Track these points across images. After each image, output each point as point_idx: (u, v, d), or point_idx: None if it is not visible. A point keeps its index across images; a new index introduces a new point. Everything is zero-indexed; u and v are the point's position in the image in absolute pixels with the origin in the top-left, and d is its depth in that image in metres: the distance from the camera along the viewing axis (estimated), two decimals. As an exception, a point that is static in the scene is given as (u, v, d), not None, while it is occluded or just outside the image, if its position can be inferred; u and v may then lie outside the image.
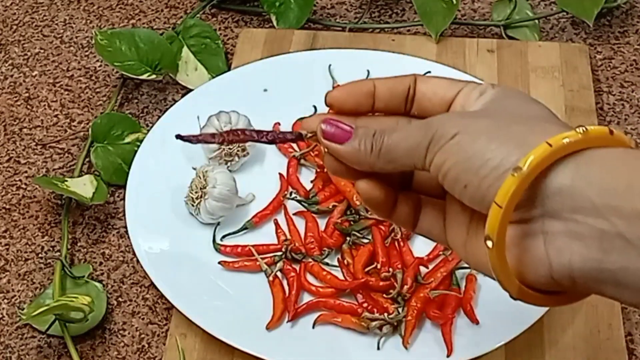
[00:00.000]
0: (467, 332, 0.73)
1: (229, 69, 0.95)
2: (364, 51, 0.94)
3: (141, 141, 0.86)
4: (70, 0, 1.06)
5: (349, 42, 0.97)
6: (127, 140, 0.89)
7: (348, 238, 0.79)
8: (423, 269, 0.77)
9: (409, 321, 0.73)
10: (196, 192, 0.80)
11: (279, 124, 0.88)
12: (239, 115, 0.84)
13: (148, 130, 0.88)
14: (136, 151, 0.85)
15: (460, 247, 0.50)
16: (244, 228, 0.81)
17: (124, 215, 0.81)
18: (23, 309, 0.77)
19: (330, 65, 0.92)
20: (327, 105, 0.53)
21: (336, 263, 0.78)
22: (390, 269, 0.76)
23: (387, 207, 0.52)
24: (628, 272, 0.42)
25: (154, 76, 0.93)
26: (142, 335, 0.77)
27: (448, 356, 0.71)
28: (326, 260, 0.78)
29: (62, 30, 1.03)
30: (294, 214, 0.82)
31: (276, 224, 0.81)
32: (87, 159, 0.89)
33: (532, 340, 0.73)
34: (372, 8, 1.03)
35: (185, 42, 0.97)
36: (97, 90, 0.97)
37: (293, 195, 0.82)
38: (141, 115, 0.94)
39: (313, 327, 0.74)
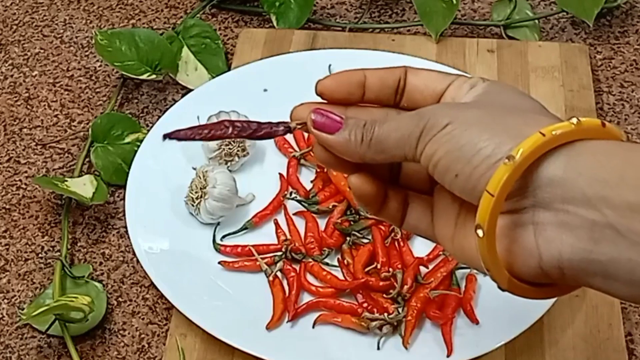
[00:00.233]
0: (467, 332, 0.73)
1: (229, 69, 0.95)
2: (364, 51, 0.94)
3: (141, 141, 0.86)
4: (70, 0, 1.06)
5: (349, 42, 0.97)
6: (127, 140, 0.89)
7: (348, 238, 0.79)
8: (423, 269, 0.77)
9: (409, 321, 0.73)
10: (196, 192, 0.80)
11: (279, 124, 0.88)
12: (238, 115, 0.84)
13: (148, 130, 0.88)
14: (136, 151, 0.85)
15: (448, 241, 0.50)
16: (244, 228, 0.81)
17: (124, 215, 0.81)
18: (23, 309, 0.77)
19: (330, 65, 0.92)
20: (317, 93, 0.53)
21: (336, 263, 0.78)
22: (390, 269, 0.76)
23: (377, 203, 0.52)
24: (618, 263, 0.42)
25: (154, 76, 0.93)
26: (142, 335, 0.77)
27: (448, 356, 0.71)
28: (326, 260, 0.78)
29: (62, 30, 1.03)
30: (294, 214, 0.82)
31: (276, 224, 0.81)
32: (87, 159, 0.89)
33: (532, 340, 0.73)
34: (372, 8, 1.03)
35: (185, 42, 0.97)
36: (97, 90, 0.97)
37: (293, 195, 0.82)
38: (141, 115, 0.94)
39: (313, 327, 0.74)
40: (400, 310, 0.73)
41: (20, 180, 0.89)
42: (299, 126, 0.52)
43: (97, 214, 0.86)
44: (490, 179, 0.44)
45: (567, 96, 0.91)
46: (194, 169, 0.82)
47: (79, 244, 0.84)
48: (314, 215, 0.81)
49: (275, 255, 0.78)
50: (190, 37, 0.97)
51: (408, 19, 1.02)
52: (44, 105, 0.95)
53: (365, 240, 0.79)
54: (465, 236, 0.48)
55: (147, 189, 0.82)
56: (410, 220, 0.53)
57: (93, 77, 0.98)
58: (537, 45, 0.97)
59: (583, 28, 1.00)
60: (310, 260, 0.78)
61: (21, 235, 0.85)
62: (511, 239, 0.45)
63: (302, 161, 0.85)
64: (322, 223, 0.81)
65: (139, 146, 0.86)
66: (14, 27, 1.04)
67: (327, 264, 0.78)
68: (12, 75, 0.99)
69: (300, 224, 0.81)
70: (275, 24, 0.99)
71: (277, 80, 0.91)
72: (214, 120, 0.83)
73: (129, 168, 0.84)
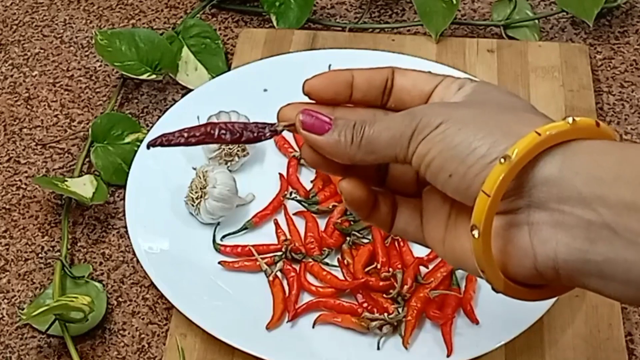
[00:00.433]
0: (467, 332, 0.73)
1: (229, 69, 0.95)
2: (364, 51, 0.94)
3: (141, 141, 0.86)
4: (70, 0, 1.06)
5: (349, 42, 0.97)
6: (127, 140, 0.89)
7: (348, 238, 0.79)
8: (423, 269, 0.77)
9: (409, 321, 0.73)
10: (196, 192, 0.80)
11: (279, 124, 0.88)
12: (238, 115, 0.84)
13: (148, 130, 0.88)
14: (136, 151, 0.85)
15: (438, 244, 0.50)
16: (244, 228, 0.81)
17: (124, 215, 0.81)
18: (23, 309, 0.77)
19: (330, 65, 0.92)
20: (304, 93, 0.53)
21: (336, 263, 0.78)
22: (390, 269, 0.76)
23: (368, 208, 0.52)
24: (614, 263, 0.41)
25: (154, 76, 0.93)
26: (142, 335, 0.77)
27: (448, 356, 0.71)
28: (326, 260, 0.78)
29: (62, 30, 1.03)
30: (294, 214, 0.82)
31: (276, 224, 0.81)
32: (87, 159, 0.89)
33: (532, 340, 0.73)
34: (372, 8, 1.03)
35: (185, 42, 0.97)
36: (97, 90, 0.97)
37: (293, 195, 0.82)
38: (141, 115, 0.94)
39: (313, 327, 0.74)
40: (400, 310, 0.73)
41: (20, 180, 0.89)
42: (286, 128, 0.51)
43: (97, 214, 0.86)
44: (486, 179, 0.43)
45: (567, 96, 0.91)
46: (194, 169, 0.82)
47: (79, 244, 0.84)
48: (314, 215, 0.81)
49: (275, 255, 0.78)
50: (190, 37, 0.97)
51: (408, 19, 1.02)
52: (44, 105, 0.95)
53: (365, 240, 0.79)
54: (457, 238, 0.48)
55: (147, 189, 0.82)
56: (399, 224, 0.52)
57: (93, 77, 0.98)
58: (537, 45, 0.97)
59: (583, 28, 1.00)
60: (310, 260, 0.78)
61: (21, 235, 0.85)
62: (506, 239, 0.45)
63: (302, 161, 0.85)
64: (322, 223, 0.81)
65: (139, 146, 0.86)
66: (14, 27, 1.04)
67: (327, 264, 0.78)
68: (12, 75, 0.99)
69: (300, 224, 0.81)
70: (275, 24, 0.99)
71: (277, 80, 0.91)
72: (214, 120, 0.83)
73: (129, 168, 0.84)
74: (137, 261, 0.79)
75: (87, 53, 1.00)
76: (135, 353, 0.76)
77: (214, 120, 0.83)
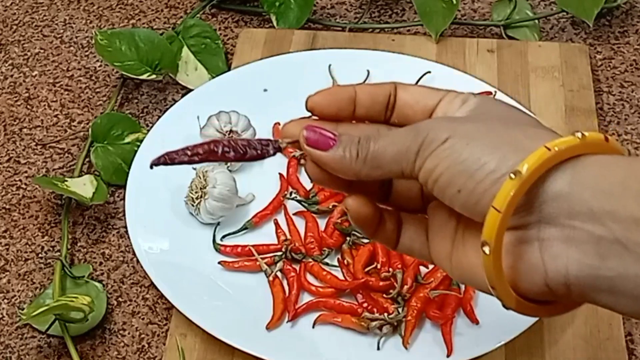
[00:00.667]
0: (467, 332, 0.73)
1: (229, 69, 0.95)
2: (364, 51, 0.94)
3: (141, 141, 0.86)
4: (70, 0, 1.06)
5: (349, 42, 0.97)
6: (127, 140, 0.89)
7: (348, 238, 0.79)
8: (423, 269, 0.77)
9: (409, 321, 0.73)
10: (196, 192, 0.80)
11: (279, 123, 0.88)
12: (239, 115, 0.84)
13: (148, 130, 0.88)
14: (136, 151, 0.85)
15: (445, 260, 0.49)
16: (244, 228, 0.81)
17: (124, 215, 0.81)
18: (23, 309, 0.77)
19: (330, 65, 0.92)
20: (307, 109, 0.52)
21: (336, 263, 0.78)
22: (390, 269, 0.76)
23: (374, 225, 0.52)
24: (625, 279, 0.41)
25: (154, 76, 0.93)
26: (142, 335, 0.77)
27: (448, 356, 0.71)
28: (326, 260, 0.78)
29: (62, 30, 1.03)
30: (294, 214, 0.82)
31: (276, 224, 0.81)
32: (87, 159, 0.89)
33: (532, 340, 0.73)
34: (372, 8, 1.03)
35: (185, 42, 0.97)
36: (97, 90, 0.97)
37: (293, 195, 0.82)
38: (141, 115, 0.94)
39: (313, 327, 0.74)
40: (400, 310, 0.73)
41: (20, 180, 0.89)
42: (290, 144, 0.51)
43: (97, 214, 0.86)
44: (496, 195, 0.43)
45: (567, 96, 0.91)
46: (194, 169, 0.82)
47: (79, 244, 0.84)
48: (314, 215, 0.81)
49: (275, 255, 0.78)
50: (190, 37, 0.97)
51: (408, 19, 1.02)
52: (44, 105, 0.95)
53: (365, 240, 0.79)
54: (465, 254, 0.48)
55: (147, 189, 0.82)
56: (404, 241, 0.52)
57: (93, 77, 0.98)
58: (537, 45, 0.97)
59: (583, 28, 1.00)
60: (310, 260, 0.78)
61: (21, 235, 0.85)
62: (516, 255, 0.45)
63: (302, 161, 0.85)
64: (322, 223, 0.81)
65: (139, 146, 0.86)
66: (14, 27, 1.04)
67: (327, 264, 0.78)
68: (12, 75, 0.99)
69: (300, 224, 0.81)
70: (275, 24, 0.99)
71: (277, 80, 0.91)
72: (214, 120, 0.83)
73: (129, 168, 0.84)
74: (137, 261, 0.79)
75: (87, 53, 1.00)
76: (135, 353, 0.76)
77: (214, 120, 0.83)
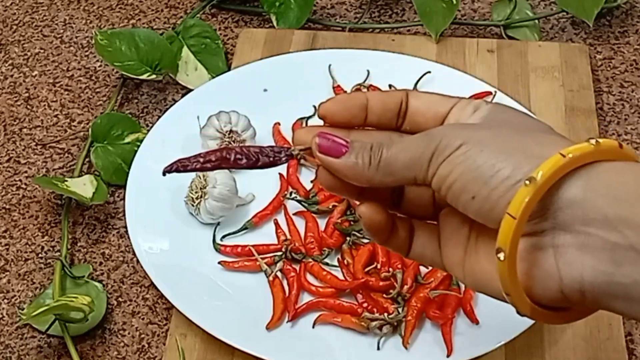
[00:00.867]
0: (467, 332, 0.73)
1: (229, 69, 0.95)
2: (364, 51, 0.94)
3: (141, 141, 0.86)
4: (70, 0, 1.06)
5: (349, 42, 0.97)
6: (127, 140, 0.89)
7: (348, 238, 0.79)
8: (423, 269, 0.77)
9: (409, 321, 0.73)
10: (196, 192, 0.80)
11: (279, 123, 0.88)
12: (239, 115, 0.84)
13: (148, 130, 0.88)
14: (136, 151, 0.85)
15: (457, 267, 0.49)
16: (244, 228, 0.81)
17: (124, 215, 0.81)
18: (23, 309, 0.77)
19: (330, 65, 0.92)
20: (320, 117, 0.52)
21: (336, 263, 0.78)
22: (390, 269, 0.76)
23: (386, 232, 0.52)
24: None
25: (154, 76, 0.93)
26: (142, 335, 0.77)
27: (448, 356, 0.71)
28: (326, 260, 0.78)
29: (62, 30, 1.03)
30: (294, 214, 0.82)
31: (276, 224, 0.81)
32: (87, 159, 0.89)
33: (532, 340, 0.73)
34: (372, 8, 1.03)
35: (185, 42, 0.97)
36: (97, 90, 0.97)
37: (293, 195, 0.82)
38: (141, 115, 0.94)
39: (313, 327, 0.74)
40: (400, 310, 0.73)
41: (20, 180, 0.89)
42: (302, 152, 0.51)
43: (97, 214, 0.86)
44: (511, 201, 0.43)
45: (567, 96, 0.91)
46: (194, 169, 0.82)
47: (79, 244, 0.84)
48: (314, 215, 0.81)
49: (275, 255, 0.78)
50: (190, 37, 0.97)
51: (408, 19, 1.02)
52: (44, 105, 0.95)
53: (365, 240, 0.79)
54: (478, 261, 0.48)
55: (147, 189, 0.82)
56: (416, 248, 0.52)
57: (93, 77, 0.98)
58: (537, 45, 0.97)
59: (583, 28, 1.00)
60: (310, 260, 0.78)
61: (21, 235, 0.85)
62: (530, 262, 0.45)
63: (302, 161, 0.85)
64: (322, 223, 0.81)
65: (139, 146, 0.86)
66: (14, 27, 1.04)
67: (327, 264, 0.78)
68: (12, 75, 0.99)
69: (300, 224, 0.81)
70: (275, 24, 0.99)
71: (277, 80, 0.91)
72: (214, 120, 0.83)
73: (129, 168, 0.84)
74: (137, 261, 0.79)
75: (87, 53, 1.00)
76: (135, 353, 0.76)
77: (214, 120, 0.83)
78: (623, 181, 0.43)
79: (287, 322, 0.74)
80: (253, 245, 0.79)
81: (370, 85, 0.90)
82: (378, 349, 0.73)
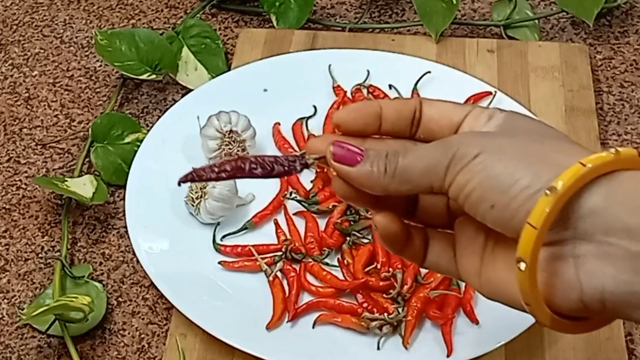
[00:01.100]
0: (467, 332, 0.73)
1: (229, 69, 0.95)
2: (364, 51, 0.94)
3: (141, 141, 0.86)
4: (70, 0, 1.06)
5: (349, 42, 0.97)
6: (127, 140, 0.89)
7: (348, 238, 0.79)
8: (423, 269, 0.77)
9: (409, 321, 0.73)
10: (196, 192, 0.80)
11: (279, 123, 0.88)
12: (239, 115, 0.84)
13: (148, 130, 0.88)
14: (136, 151, 0.85)
15: (473, 276, 0.49)
16: (244, 228, 0.81)
17: (124, 215, 0.81)
18: (23, 309, 0.77)
19: (330, 65, 0.92)
20: (333, 125, 0.52)
21: (336, 263, 0.78)
22: (390, 269, 0.76)
23: (402, 242, 0.51)
24: None
25: (154, 76, 0.93)
26: (142, 335, 0.77)
27: (448, 356, 0.71)
28: (326, 260, 0.78)
29: (62, 30, 1.03)
30: (294, 214, 0.82)
31: (276, 224, 0.81)
32: (87, 159, 0.89)
33: (532, 340, 0.73)
34: (372, 8, 1.03)
35: (185, 42, 0.97)
36: (97, 90, 0.97)
37: (293, 195, 0.82)
38: (141, 115, 0.94)
39: (313, 327, 0.74)
40: (400, 310, 0.73)
41: (20, 180, 0.89)
42: (317, 160, 0.51)
43: (97, 214, 0.86)
44: (531, 211, 0.43)
45: (567, 96, 0.91)
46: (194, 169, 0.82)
47: (79, 244, 0.84)
48: (314, 215, 0.81)
49: (275, 255, 0.78)
50: (190, 37, 0.97)
51: (408, 19, 1.02)
52: (44, 105, 0.95)
53: (365, 240, 0.79)
54: (495, 270, 0.48)
55: (147, 189, 0.82)
56: (431, 257, 0.52)
57: (93, 77, 0.98)
58: (537, 45, 0.97)
59: (583, 28, 1.00)
60: (310, 260, 0.78)
61: (21, 235, 0.85)
62: (550, 272, 0.44)
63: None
64: (322, 223, 0.81)
65: (139, 146, 0.86)
66: (14, 27, 1.04)
67: (327, 264, 0.78)
68: (12, 75, 0.99)
69: (300, 224, 0.81)
70: (275, 24, 0.99)
71: (277, 80, 0.91)
72: (214, 120, 0.83)
73: (129, 168, 0.84)
74: (137, 261, 0.79)
75: (87, 53, 1.00)
76: (135, 353, 0.76)
77: (214, 120, 0.83)
78: None
79: (287, 322, 0.74)
80: (253, 245, 0.79)
81: (370, 85, 0.90)
82: (378, 349, 0.73)
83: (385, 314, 0.73)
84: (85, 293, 0.76)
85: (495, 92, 0.89)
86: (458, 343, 0.72)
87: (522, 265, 0.44)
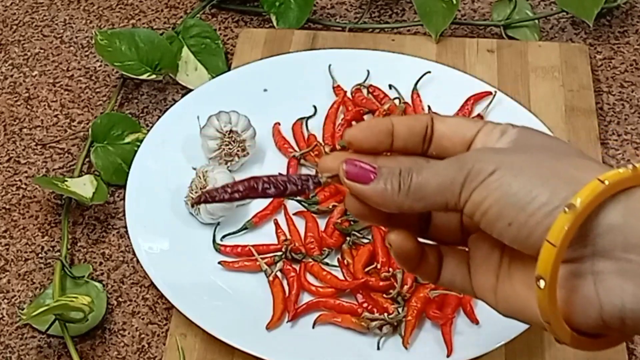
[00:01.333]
0: (467, 332, 0.73)
1: (229, 69, 0.95)
2: (364, 51, 0.94)
3: (141, 141, 0.86)
4: (70, 0, 1.06)
5: (349, 42, 0.97)
6: (127, 140, 0.89)
7: (348, 238, 0.79)
8: (423, 269, 0.77)
9: (409, 321, 0.73)
10: (196, 192, 0.80)
11: (279, 123, 0.88)
12: (239, 115, 0.84)
13: (148, 130, 0.88)
14: (136, 151, 0.85)
15: (489, 294, 0.49)
16: (244, 228, 0.81)
17: (124, 215, 0.81)
18: (23, 309, 0.77)
19: (330, 65, 0.92)
20: (346, 143, 0.52)
21: (336, 263, 0.78)
22: (390, 269, 0.76)
23: (416, 260, 0.51)
24: None
25: (154, 76, 0.93)
26: (142, 335, 0.77)
27: (448, 356, 0.71)
28: (326, 260, 0.78)
29: (62, 30, 1.03)
30: (294, 214, 0.82)
31: (276, 224, 0.81)
32: (87, 159, 0.89)
33: (532, 340, 0.73)
34: (372, 8, 1.03)
35: (185, 42, 0.97)
36: (97, 90, 0.97)
37: (293, 195, 0.82)
38: (141, 115, 0.94)
39: (313, 327, 0.74)
40: (400, 310, 0.73)
41: (20, 180, 0.89)
42: (329, 179, 0.51)
43: (97, 214, 0.86)
44: (550, 228, 0.43)
45: (567, 96, 0.91)
46: (194, 169, 0.82)
47: (79, 244, 0.84)
48: (314, 215, 0.81)
49: (275, 255, 0.78)
50: (190, 37, 0.97)
51: (408, 19, 1.02)
52: (44, 105, 0.95)
53: (365, 240, 0.79)
54: (512, 287, 0.47)
55: (147, 189, 0.82)
56: (445, 275, 0.51)
57: (93, 77, 0.98)
58: (537, 45, 0.96)
59: (583, 28, 1.00)
60: (310, 260, 0.78)
61: (21, 235, 0.85)
62: (569, 289, 0.44)
63: (302, 161, 0.85)
64: (322, 223, 0.81)
65: (139, 146, 0.86)
66: (14, 27, 1.04)
67: (327, 264, 0.78)
68: (12, 75, 0.99)
69: (300, 224, 0.81)
70: (275, 24, 0.99)
71: (277, 80, 0.91)
72: (214, 120, 0.83)
73: (129, 168, 0.84)
74: (137, 261, 0.79)
75: (87, 53, 1.00)
76: (135, 353, 0.76)
77: (214, 120, 0.83)
78: None
79: (287, 322, 0.74)
80: (253, 245, 0.79)
81: (370, 85, 0.90)
82: (378, 349, 0.73)
83: (385, 314, 0.73)
84: (85, 293, 0.76)
85: (495, 92, 0.89)
86: (458, 343, 0.72)
87: (542, 283, 0.43)
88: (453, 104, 0.88)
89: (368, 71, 0.91)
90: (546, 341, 0.74)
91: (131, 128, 0.90)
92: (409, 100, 0.89)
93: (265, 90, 0.91)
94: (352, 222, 0.80)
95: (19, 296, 0.80)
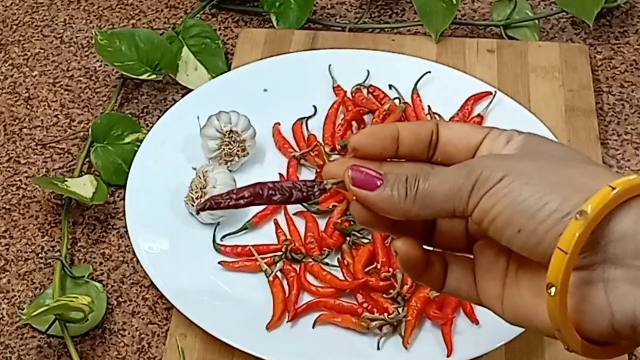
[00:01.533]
0: (467, 332, 0.73)
1: (229, 69, 0.95)
2: (364, 51, 0.94)
3: (141, 141, 0.86)
4: (70, 0, 1.06)
5: (349, 42, 0.97)
6: (127, 140, 0.89)
7: (348, 238, 0.79)
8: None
9: (409, 321, 0.73)
10: (196, 192, 0.80)
11: (279, 123, 0.88)
12: (239, 115, 0.84)
13: (148, 130, 0.88)
14: (136, 151, 0.85)
15: (495, 301, 0.49)
16: (244, 228, 0.81)
17: (124, 215, 0.81)
18: (23, 309, 0.77)
19: (330, 65, 0.92)
20: (351, 150, 0.51)
21: (336, 263, 0.78)
22: (390, 269, 0.76)
23: (422, 267, 0.50)
24: None
25: (154, 76, 0.93)
26: (142, 335, 0.77)
27: (448, 356, 0.71)
28: (326, 260, 0.78)
29: (62, 30, 1.03)
30: (294, 214, 0.82)
31: (276, 224, 0.81)
32: (87, 159, 0.89)
33: (532, 340, 0.73)
34: (372, 8, 1.03)
35: (185, 42, 0.97)
36: (97, 90, 0.97)
37: (293, 195, 0.82)
38: (141, 115, 0.94)
39: (313, 327, 0.74)
40: (400, 310, 0.73)
41: (20, 180, 0.89)
42: (335, 185, 0.50)
43: (97, 214, 0.86)
44: (561, 235, 0.42)
45: (567, 96, 0.91)
46: (194, 169, 0.82)
47: (79, 244, 0.84)
48: (314, 215, 0.81)
49: (275, 255, 0.78)
50: (190, 37, 0.97)
51: (408, 19, 1.02)
52: (44, 105, 0.95)
53: (365, 240, 0.79)
54: (520, 295, 0.47)
55: (147, 189, 0.82)
56: (450, 283, 0.51)
57: (93, 77, 0.98)
58: (537, 45, 0.96)
59: (583, 28, 1.00)
60: (310, 260, 0.78)
61: (21, 235, 0.85)
62: (580, 297, 0.44)
63: (302, 161, 0.85)
64: (322, 223, 0.81)
65: (139, 146, 0.86)
66: (14, 27, 1.04)
67: (327, 264, 0.78)
68: (12, 75, 0.99)
69: (300, 224, 0.81)
70: (275, 24, 0.99)
71: (277, 80, 0.91)
72: (214, 120, 0.83)
73: (129, 168, 0.84)
74: (137, 261, 0.79)
75: (87, 53, 1.00)
76: (135, 353, 0.76)
77: (214, 120, 0.83)
78: None
79: (287, 322, 0.74)
80: (253, 245, 0.79)
81: (370, 85, 0.90)
82: (378, 349, 0.73)
83: (385, 314, 0.73)
84: (85, 293, 0.76)
85: (495, 92, 0.89)
86: (458, 343, 0.72)
87: (553, 291, 0.43)
88: (453, 104, 0.88)
89: (368, 71, 0.91)
90: (546, 341, 0.74)
91: (131, 128, 0.90)
92: (409, 100, 0.89)
93: (265, 90, 0.91)
94: (352, 222, 0.80)
95: (19, 296, 0.80)
